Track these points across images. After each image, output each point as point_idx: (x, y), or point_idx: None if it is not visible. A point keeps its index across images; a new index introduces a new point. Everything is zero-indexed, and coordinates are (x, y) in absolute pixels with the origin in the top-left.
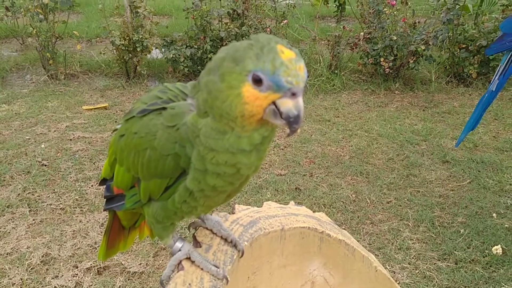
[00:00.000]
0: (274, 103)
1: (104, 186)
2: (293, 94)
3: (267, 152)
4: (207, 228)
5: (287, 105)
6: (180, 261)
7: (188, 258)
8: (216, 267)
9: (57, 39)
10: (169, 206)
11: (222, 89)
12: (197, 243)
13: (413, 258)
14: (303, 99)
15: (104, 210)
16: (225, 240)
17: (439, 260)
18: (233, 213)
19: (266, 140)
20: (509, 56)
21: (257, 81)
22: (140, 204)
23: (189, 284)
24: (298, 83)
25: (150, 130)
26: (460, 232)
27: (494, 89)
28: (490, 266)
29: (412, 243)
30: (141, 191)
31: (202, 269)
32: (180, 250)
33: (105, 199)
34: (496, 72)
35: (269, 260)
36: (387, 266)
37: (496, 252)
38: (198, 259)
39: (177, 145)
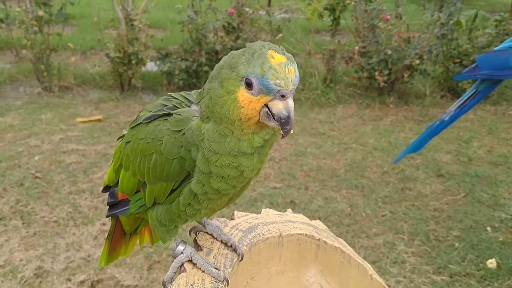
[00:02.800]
0: (266, 106)
1: (108, 193)
2: (283, 96)
3: (268, 156)
4: (207, 233)
5: (278, 107)
6: (182, 264)
7: (190, 261)
8: (217, 269)
9: (52, 51)
10: (173, 209)
11: (221, 94)
12: (198, 247)
13: (408, 271)
14: (294, 104)
15: (107, 216)
16: (225, 244)
17: (434, 274)
18: (233, 219)
19: (267, 144)
20: (471, 93)
21: (249, 85)
22: (145, 208)
23: (191, 285)
24: (287, 85)
25: (157, 135)
26: (455, 245)
27: (446, 119)
28: (485, 280)
29: (407, 257)
30: (146, 195)
31: (203, 271)
32: (182, 253)
33: (108, 205)
34: (454, 104)
35: (267, 265)
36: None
37: (491, 266)
38: (199, 261)
39: (183, 149)
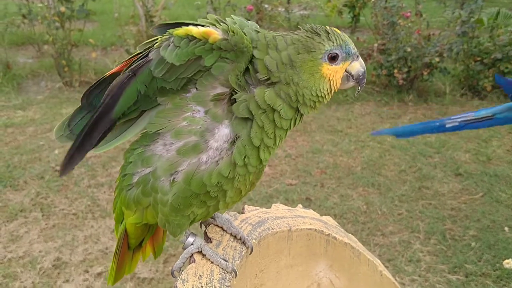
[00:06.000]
0: (345, 70)
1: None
2: (357, 57)
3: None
4: (217, 226)
5: (356, 66)
6: (192, 254)
7: (199, 252)
8: (226, 260)
9: (73, 47)
10: (192, 187)
11: (305, 78)
12: (208, 239)
13: (423, 270)
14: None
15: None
16: (235, 237)
17: (450, 273)
18: (243, 213)
19: None
20: (486, 115)
21: (333, 58)
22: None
23: (200, 275)
24: (355, 47)
25: None
26: (471, 245)
27: (447, 126)
28: (501, 280)
29: (423, 256)
30: None
31: (212, 262)
32: (192, 244)
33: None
34: (462, 115)
35: (276, 259)
36: (397, 278)
37: (508, 266)
38: (209, 252)
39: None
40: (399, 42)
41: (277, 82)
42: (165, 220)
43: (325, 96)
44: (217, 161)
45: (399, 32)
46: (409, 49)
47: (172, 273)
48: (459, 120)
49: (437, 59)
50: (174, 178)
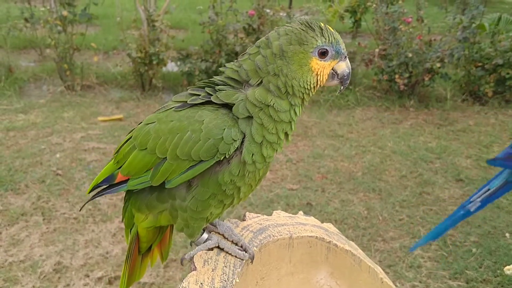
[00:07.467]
0: (332, 68)
1: (92, 196)
2: (345, 57)
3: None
4: (219, 233)
5: (342, 66)
6: (194, 262)
7: (202, 256)
8: (244, 250)
9: (75, 51)
10: (210, 189)
11: (294, 69)
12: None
13: (424, 276)
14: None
15: (94, 197)
16: (236, 244)
17: (450, 279)
18: (244, 220)
19: None
20: (501, 183)
21: (323, 54)
22: (147, 185)
23: (201, 283)
24: (345, 48)
25: (195, 117)
26: (472, 251)
27: (472, 210)
28: (502, 286)
29: (424, 262)
30: (160, 172)
31: (230, 254)
32: (210, 239)
33: (92, 193)
34: (478, 192)
35: (277, 266)
36: (397, 284)
37: (509, 272)
38: (226, 245)
39: (226, 130)
40: (400, 47)
41: (266, 77)
42: (184, 224)
43: (311, 89)
44: (228, 161)
45: (400, 37)
46: (410, 55)
47: (182, 261)
48: (478, 199)
49: (438, 65)
50: (190, 182)
